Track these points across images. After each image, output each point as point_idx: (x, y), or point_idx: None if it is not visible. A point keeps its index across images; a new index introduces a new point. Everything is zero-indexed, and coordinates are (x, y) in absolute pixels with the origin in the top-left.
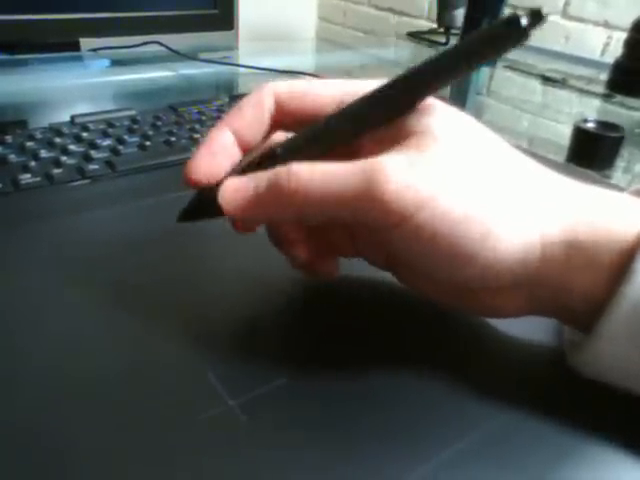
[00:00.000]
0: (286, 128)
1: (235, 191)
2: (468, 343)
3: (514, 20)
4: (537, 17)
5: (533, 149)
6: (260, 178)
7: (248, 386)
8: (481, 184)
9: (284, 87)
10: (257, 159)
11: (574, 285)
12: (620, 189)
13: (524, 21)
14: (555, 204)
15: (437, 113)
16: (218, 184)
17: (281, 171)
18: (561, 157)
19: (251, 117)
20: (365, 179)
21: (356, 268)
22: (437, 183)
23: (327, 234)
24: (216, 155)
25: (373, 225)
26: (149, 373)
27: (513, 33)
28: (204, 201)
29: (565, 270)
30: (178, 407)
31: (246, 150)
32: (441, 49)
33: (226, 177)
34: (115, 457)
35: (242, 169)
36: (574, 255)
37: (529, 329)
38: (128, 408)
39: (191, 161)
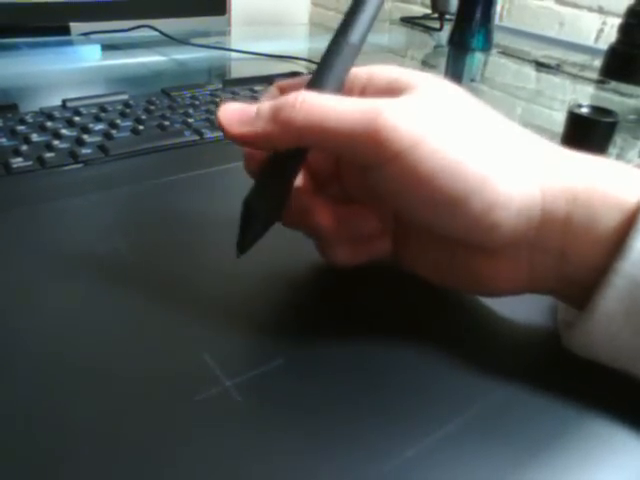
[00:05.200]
0: None
1: (236, 108)
2: (466, 322)
3: None
4: None
5: None
6: (266, 101)
7: (245, 367)
8: (479, 133)
9: (286, 81)
10: None
11: (573, 249)
12: None
13: None
14: (554, 163)
15: (425, 80)
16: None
17: (290, 96)
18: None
19: None
20: (366, 117)
21: None
22: (430, 124)
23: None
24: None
25: (367, 161)
26: (146, 354)
27: None
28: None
29: (566, 230)
30: (176, 388)
31: None
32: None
33: None
34: (114, 438)
35: None
36: (574, 215)
37: (524, 310)
38: (127, 389)
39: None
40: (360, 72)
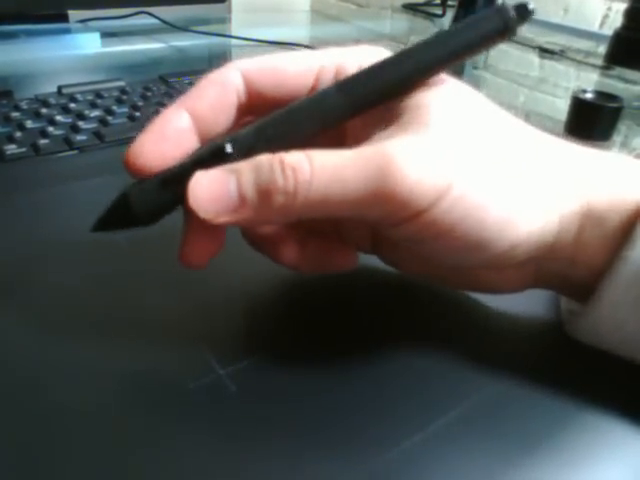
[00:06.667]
0: (259, 114)
1: (212, 192)
2: (460, 316)
3: (503, 14)
4: (524, 11)
5: (530, 123)
6: (244, 176)
7: (237, 357)
8: (495, 165)
9: (252, 63)
10: (203, 155)
11: (583, 256)
12: None
13: (512, 14)
14: (570, 176)
15: (426, 96)
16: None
17: (273, 167)
18: (558, 131)
19: (213, 98)
20: (376, 174)
21: None
22: (452, 169)
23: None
24: (166, 140)
25: (383, 222)
26: (144, 341)
27: (502, 30)
28: (142, 199)
29: (577, 241)
30: (172, 375)
31: (206, 137)
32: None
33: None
34: (113, 425)
35: (190, 165)
36: (587, 225)
37: (522, 302)
38: (126, 377)
39: (135, 143)
40: (349, 67)
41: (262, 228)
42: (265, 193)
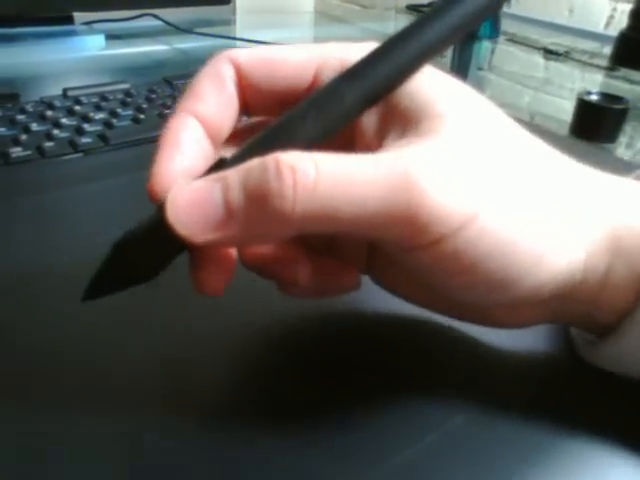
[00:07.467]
0: (256, 111)
1: (193, 201)
2: (450, 339)
3: None
4: None
5: (535, 125)
6: (231, 180)
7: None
8: (522, 193)
9: (245, 53)
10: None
11: (607, 298)
12: (625, 163)
13: None
14: (596, 206)
15: (443, 89)
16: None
17: (267, 166)
18: (563, 133)
19: (214, 95)
20: (395, 190)
21: None
22: (479, 195)
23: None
24: (183, 153)
25: (396, 245)
26: (142, 351)
27: None
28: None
29: (604, 282)
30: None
31: (217, 141)
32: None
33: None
34: (109, 438)
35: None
36: (615, 265)
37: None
38: (125, 395)
39: (153, 166)
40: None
41: (260, 247)
42: (256, 197)
